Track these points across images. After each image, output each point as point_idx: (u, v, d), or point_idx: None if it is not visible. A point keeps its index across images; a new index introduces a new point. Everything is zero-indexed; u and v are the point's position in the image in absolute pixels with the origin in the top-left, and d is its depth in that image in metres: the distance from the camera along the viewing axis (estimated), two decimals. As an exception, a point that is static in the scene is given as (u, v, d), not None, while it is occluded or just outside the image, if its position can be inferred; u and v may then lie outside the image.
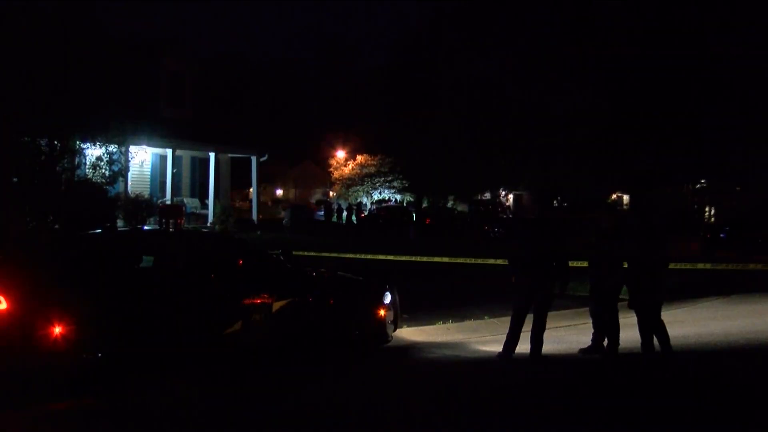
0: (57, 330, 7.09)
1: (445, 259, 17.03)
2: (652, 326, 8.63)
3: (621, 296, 9.36)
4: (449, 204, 54.59)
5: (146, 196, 25.44)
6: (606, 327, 9.20)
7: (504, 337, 9.03)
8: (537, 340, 8.71)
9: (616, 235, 9.21)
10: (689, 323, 12.00)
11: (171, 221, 23.83)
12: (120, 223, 21.86)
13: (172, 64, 29.51)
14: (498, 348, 9.13)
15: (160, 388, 7.16)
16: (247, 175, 32.46)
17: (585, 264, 9.41)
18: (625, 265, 9.05)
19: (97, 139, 18.03)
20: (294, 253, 9.93)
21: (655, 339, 8.69)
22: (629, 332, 10.62)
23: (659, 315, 8.74)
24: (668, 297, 14.12)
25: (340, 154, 58.61)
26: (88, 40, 17.36)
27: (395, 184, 52.52)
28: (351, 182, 53.26)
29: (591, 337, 9.36)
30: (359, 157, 53.64)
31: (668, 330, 8.73)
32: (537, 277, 8.65)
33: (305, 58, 74.33)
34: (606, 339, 9.22)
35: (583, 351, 9.32)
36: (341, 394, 7.15)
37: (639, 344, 8.81)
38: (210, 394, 7.07)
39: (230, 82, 52.57)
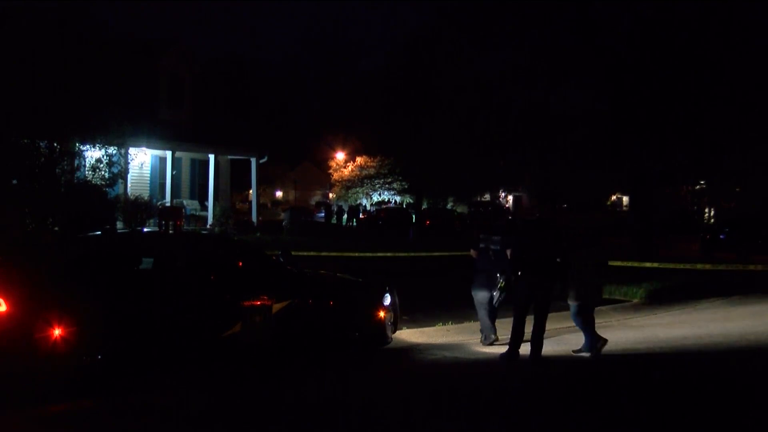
0: (57, 332, 7.10)
1: (445, 253, 17.11)
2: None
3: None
4: (449, 205, 54.59)
5: (146, 198, 25.39)
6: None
7: (504, 338, 9.01)
8: (537, 342, 8.69)
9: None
10: (689, 324, 11.99)
11: (170, 223, 23.80)
12: (119, 225, 21.84)
13: (172, 65, 29.47)
14: (497, 349, 9.13)
15: (160, 389, 7.17)
16: (247, 176, 32.43)
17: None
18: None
19: (96, 141, 18.05)
20: (293, 254, 9.92)
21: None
22: (629, 333, 10.65)
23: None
24: (668, 298, 14.22)
25: (340, 155, 58.59)
26: (87, 41, 17.39)
27: (395, 185, 52.48)
28: (351, 184, 53.22)
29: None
30: (359, 159, 53.61)
31: (668, 331, 8.74)
32: (537, 277, 8.64)
33: (305, 59, 74.22)
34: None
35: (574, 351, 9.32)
36: (341, 396, 7.15)
37: (638, 345, 8.81)
38: (210, 394, 7.07)
39: (230, 83, 52.42)
